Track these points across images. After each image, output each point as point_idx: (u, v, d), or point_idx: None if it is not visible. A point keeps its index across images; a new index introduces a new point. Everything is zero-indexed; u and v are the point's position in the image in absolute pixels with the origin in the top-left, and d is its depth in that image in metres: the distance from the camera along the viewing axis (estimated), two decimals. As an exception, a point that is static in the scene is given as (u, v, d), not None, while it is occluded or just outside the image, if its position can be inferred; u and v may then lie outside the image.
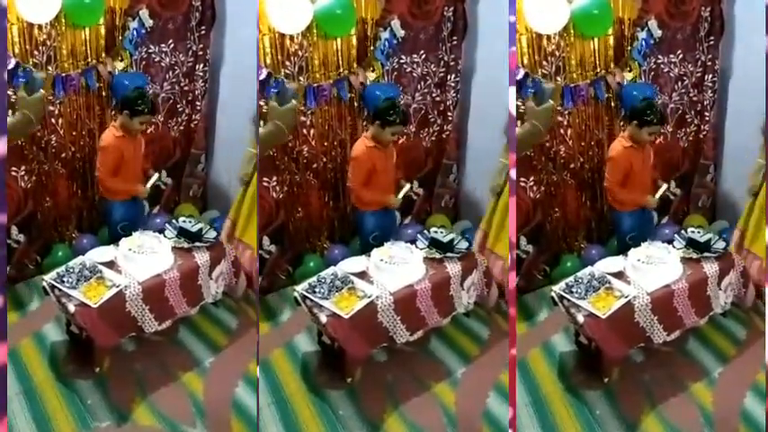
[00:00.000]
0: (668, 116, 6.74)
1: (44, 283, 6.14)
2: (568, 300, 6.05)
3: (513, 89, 6.29)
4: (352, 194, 6.66)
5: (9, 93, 6.41)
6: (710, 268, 6.24)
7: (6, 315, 6.03)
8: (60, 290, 6.05)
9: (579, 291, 6.06)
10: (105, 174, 6.58)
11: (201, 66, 6.80)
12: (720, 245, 6.33)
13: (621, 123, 6.67)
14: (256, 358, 6.18)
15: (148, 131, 6.71)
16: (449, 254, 6.40)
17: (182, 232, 6.43)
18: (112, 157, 6.56)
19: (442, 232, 6.49)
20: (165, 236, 6.43)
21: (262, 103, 6.50)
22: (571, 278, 6.19)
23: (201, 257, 6.39)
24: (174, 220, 6.52)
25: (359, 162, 6.56)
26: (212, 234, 6.47)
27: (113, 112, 6.68)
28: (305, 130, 6.65)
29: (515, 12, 6.26)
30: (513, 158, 6.32)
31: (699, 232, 6.40)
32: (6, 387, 5.86)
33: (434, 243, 6.43)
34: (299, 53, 6.57)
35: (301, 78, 6.58)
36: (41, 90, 6.56)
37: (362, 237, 6.66)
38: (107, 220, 6.69)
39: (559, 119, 6.60)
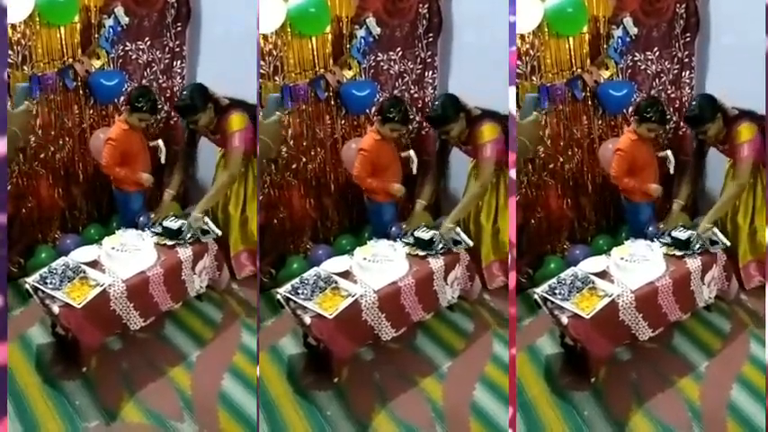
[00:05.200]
0: (670, 118, 6.95)
1: (27, 286, 6.33)
2: (552, 302, 6.29)
3: (513, 89, 6.47)
4: (361, 185, 6.93)
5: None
6: (693, 263, 6.51)
7: (6, 315, 6.14)
8: (44, 291, 6.25)
9: (562, 292, 6.31)
10: (111, 164, 6.84)
11: (179, 62, 7.09)
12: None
13: (600, 122, 6.94)
14: (256, 358, 6.37)
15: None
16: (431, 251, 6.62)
17: (164, 230, 6.69)
18: (118, 149, 6.85)
19: (424, 230, 6.73)
20: (147, 233, 6.70)
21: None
22: (554, 280, 6.40)
23: (184, 253, 6.65)
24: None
25: (366, 153, 6.86)
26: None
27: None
28: (282, 131, 6.88)
29: (515, 11, 6.45)
30: (512, 158, 6.52)
31: (681, 230, 6.66)
32: (6, 387, 6.00)
33: (416, 242, 6.66)
34: (274, 53, 6.80)
35: (277, 78, 6.80)
36: (26, 102, 6.79)
37: (377, 226, 6.97)
38: (124, 209, 7.00)
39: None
